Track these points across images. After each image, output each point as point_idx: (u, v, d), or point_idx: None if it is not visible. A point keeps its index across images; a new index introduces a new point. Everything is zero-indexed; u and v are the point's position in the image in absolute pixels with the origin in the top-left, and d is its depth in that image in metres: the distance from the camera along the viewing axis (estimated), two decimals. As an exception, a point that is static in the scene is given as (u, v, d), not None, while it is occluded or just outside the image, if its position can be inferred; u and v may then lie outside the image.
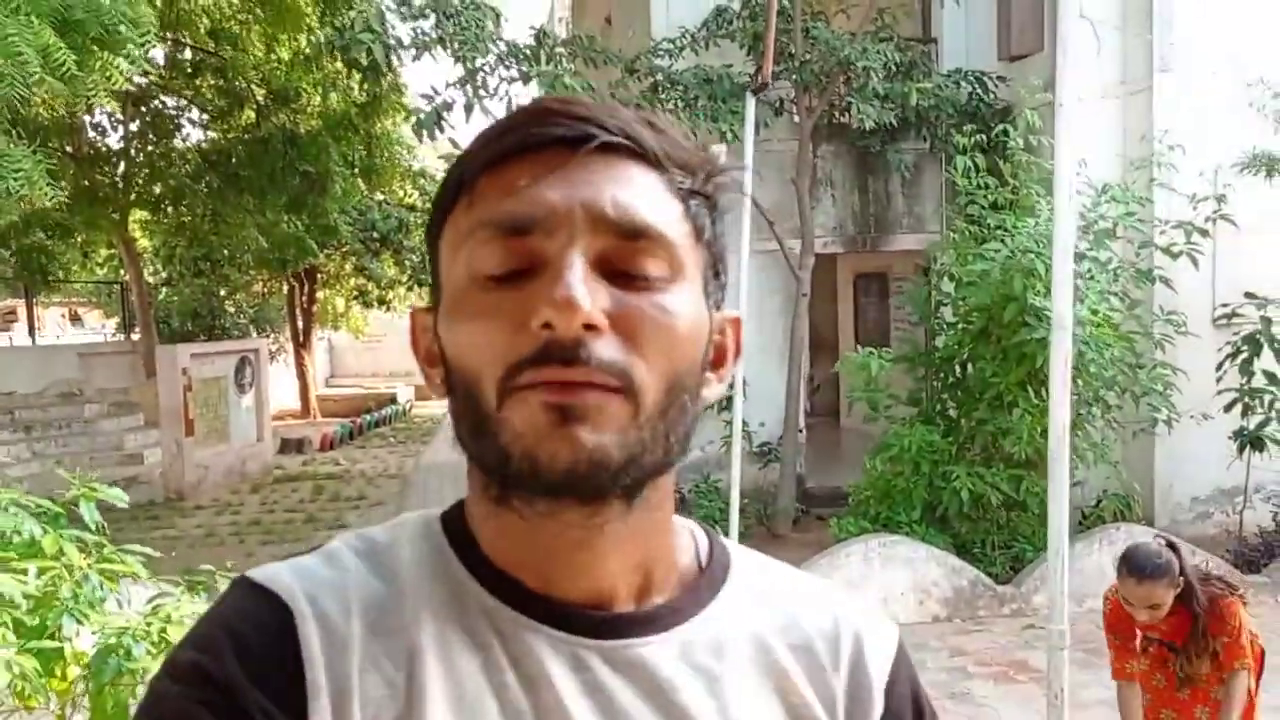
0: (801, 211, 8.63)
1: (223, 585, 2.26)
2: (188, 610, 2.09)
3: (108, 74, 5.57)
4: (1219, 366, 7.24)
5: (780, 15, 6.92)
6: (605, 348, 0.61)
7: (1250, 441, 7.26)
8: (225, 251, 16.25)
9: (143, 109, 13.45)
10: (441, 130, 7.56)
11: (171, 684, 0.63)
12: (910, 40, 9.52)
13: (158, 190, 14.04)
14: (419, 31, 7.52)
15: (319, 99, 13.16)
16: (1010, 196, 7.12)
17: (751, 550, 0.80)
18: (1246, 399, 7.20)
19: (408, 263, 17.91)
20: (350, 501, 11.30)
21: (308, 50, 11.13)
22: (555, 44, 8.01)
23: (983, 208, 7.15)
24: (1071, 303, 3.27)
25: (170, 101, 13.96)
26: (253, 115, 13.30)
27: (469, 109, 7.60)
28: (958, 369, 7.45)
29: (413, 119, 8.04)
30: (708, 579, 0.74)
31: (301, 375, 19.93)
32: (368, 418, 18.18)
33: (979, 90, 8.83)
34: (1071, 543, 4.12)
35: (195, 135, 14.64)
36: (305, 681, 0.62)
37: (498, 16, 7.88)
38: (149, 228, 16.54)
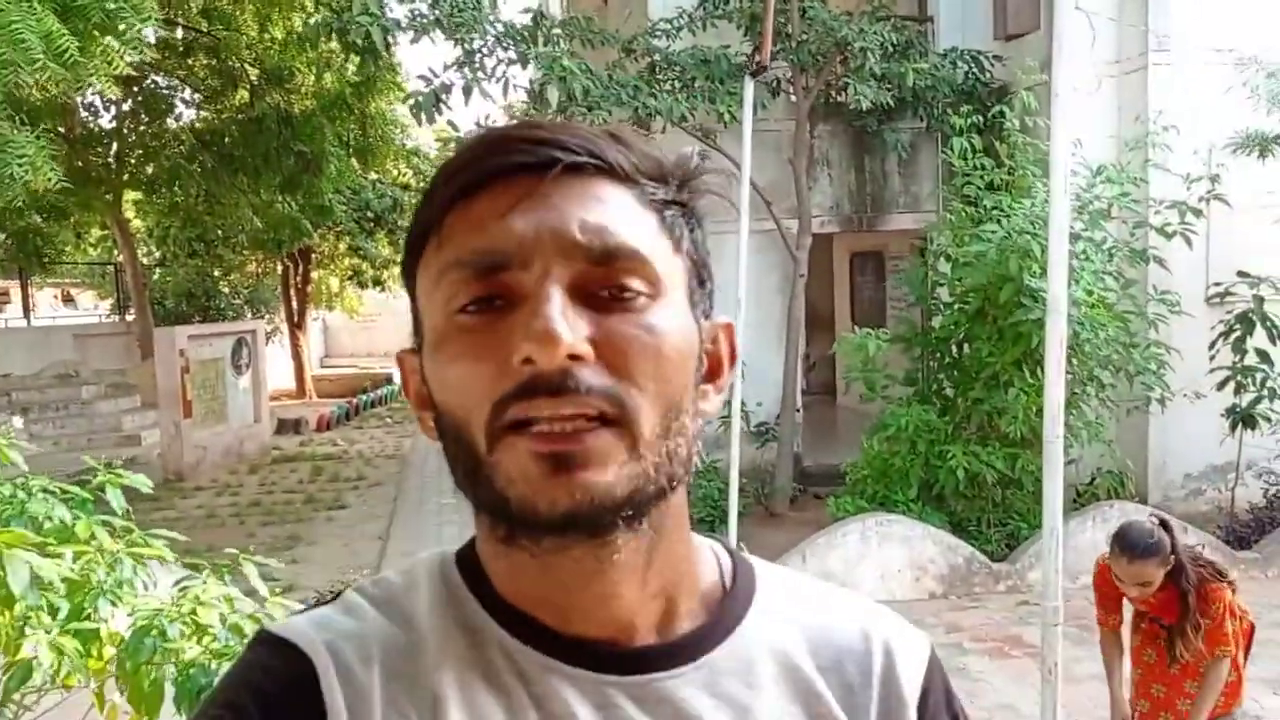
0: (799, 191, 8.67)
1: (248, 569, 2.34)
2: (215, 592, 2.16)
3: (108, 59, 5.59)
4: (1212, 345, 7.31)
5: (777, -3, 6.93)
6: (593, 375, 0.59)
7: (1242, 419, 7.35)
8: (219, 232, 16.27)
9: (135, 89, 13.40)
10: (440, 113, 7.57)
11: None
12: (906, 19, 9.53)
13: (151, 171, 14.03)
14: (416, 14, 7.51)
15: (313, 79, 13.13)
16: (1006, 178, 7.18)
17: (776, 566, 0.78)
18: (1239, 377, 7.28)
19: (402, 242, 17.89)
20: (349, 482, 11.35)
21: (301, 30, 11.10)
22: (553, 25, 8.02)
23: (979, 188, 7.20)
24: (1066, 287, 3.33)
25: (163, 81, 13.92)
26: (246, 95, 13.28)
27: (467, 91, 7.61)
28: (954, 349, 7.53)
29: (409, 100, 8.04)
30: (732, 600, 0.72)
31: (297, 356, 19.96)
32: (364, 398, 18.19)
33: (975, 70, 8.86)
34: (1066, 520, 4.20)
35: (188, 115, 14.61)
36: None
37: (494, -3, 7.89)
38: (143, 208, 16.52)
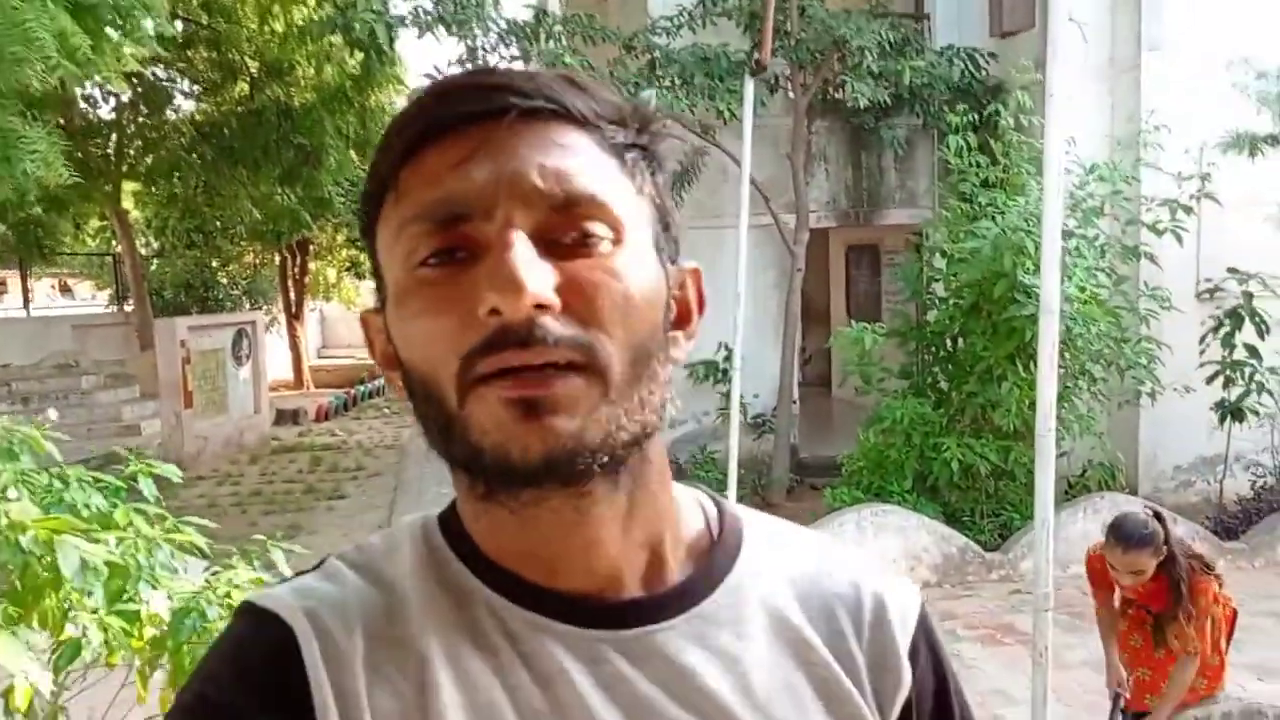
0: (796, 187, 8.77)
1: (275, 554, 2.45)
2: (246, 576, 2.27)
3: (118, 56, 5.66)
4: (1202, 340, 7.44)
5: (777, -6, 7.02)
6: (560, 324, 0.58)
7: (1231, 412, 7.49)
8: (218, 223, 16.29)
9: (135, 81, 13.43)
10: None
11: (182, 718, 0.62)
12: (904, 16, 9.63)
13: (150, 162, 14.05)
14: (420, 10, 7.59)
15: (313, 72, 13.17)
16: (1001, 175, 7.29)
17: (764, 515, 0.77)
18: (1228, 371, 7.41)
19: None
20: (348, 472, 11.43)
21: (304, 25, 11.15)
22: (555, 23, 8.10)
23: (974, 185, 7.30)
24: (1059, 288, 3.42)
25: (162, 73, 13.95)
26: (246, 88, 13.31)
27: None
28: (949, 343, 7.64)
29: (411, 96, 8.10)
30: (721, 550, 0.71)
31: (294, 346, 20.01)
32: (361, 388, 18.22)
33: (970, 67, 8.96)
34: (1057, 511, 4.31)
35: (188, 107, 14.64)
36: (313, 703, 0.60)
37: (497, -8, 7.97)
38: (141, 199, 16.54)
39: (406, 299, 0.62)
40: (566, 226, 0.60)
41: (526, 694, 0.62)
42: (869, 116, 9.09)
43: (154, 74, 13.73)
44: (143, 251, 16.68)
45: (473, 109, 0.61)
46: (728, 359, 7.51)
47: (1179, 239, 7.19)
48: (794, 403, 9.25)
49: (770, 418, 9.07)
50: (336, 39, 9.35)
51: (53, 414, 2.49)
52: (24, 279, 17.67)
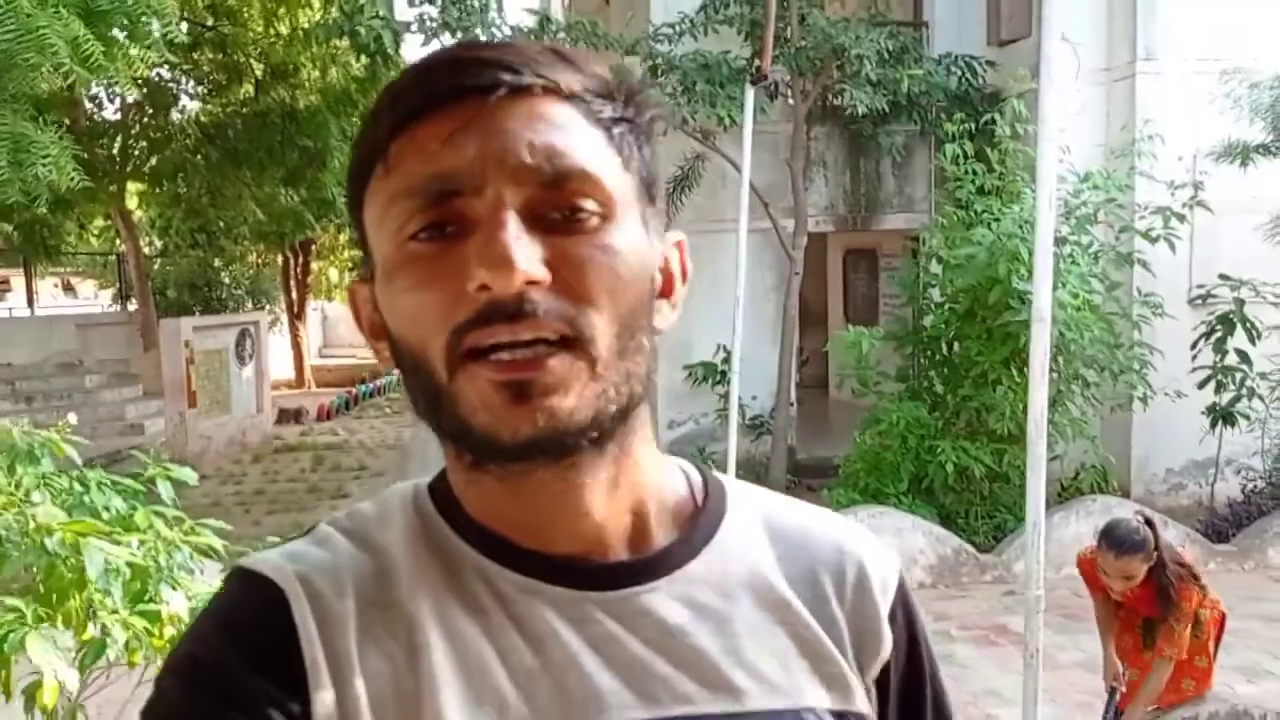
0: (795, 192, 8.86)
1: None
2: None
3: (129, 61, 5.75)
4: (1194, 345, 7.51)
5: (777, 1, 7.10)
6: (550, 299, 0.59)
7: (1222, 417, 7.56)
8: (222, 224, 16.36)
9: (140, 81, 13.50)
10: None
11: (171, 679, 0.62)
12: (902, 24, 9.71)
13: (155, 163, 14.12)
14: (425, 17, 7.67)
15: (318, 75, 13.24)
16: (997, 183, 7.38)
17: (748, 483, 0.79)
18: (1219, 376, 7.49)
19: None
20: (351, 471, 11.50)
21: (311, 29, 11.25)
22: (558, 29, 8.18)
23: (970, 192, 7.39)
24: (1051, 298, 3.49)
25: (168, 75, 14.02)
26: (251, 90, 13.39)
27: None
28: (944, 347, 7.73)
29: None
30: (705, 516, 0.72)
31: (296, 346, 20.11)
32: (363, 388, 18.30)
33: (968, 75, 9.04)
34: (1050, 513, 4.39)
35: (193, 109, 14.71)
36: (304, 661, 0.61)
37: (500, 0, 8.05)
38: (146, 200, 16.61)
39: (396, 272, 0.62)
40: (556, 202, 0.61)
41: (519, 655, 0.64)
42: (867, 123, 9.17)
43: (159, 75, 13.80)
44: (147, 251, 16.75)
45: (465, 83, 0.61)
46: (726, 361, 7.60)
47: (1172, 246, 7.27)
48: (792, 405, 9.33)
49: (768, 419, 9.15)
50: (342, 42, 9.42)
51: (72, 418, 2.57)
52: (29, 278, 17.74)
